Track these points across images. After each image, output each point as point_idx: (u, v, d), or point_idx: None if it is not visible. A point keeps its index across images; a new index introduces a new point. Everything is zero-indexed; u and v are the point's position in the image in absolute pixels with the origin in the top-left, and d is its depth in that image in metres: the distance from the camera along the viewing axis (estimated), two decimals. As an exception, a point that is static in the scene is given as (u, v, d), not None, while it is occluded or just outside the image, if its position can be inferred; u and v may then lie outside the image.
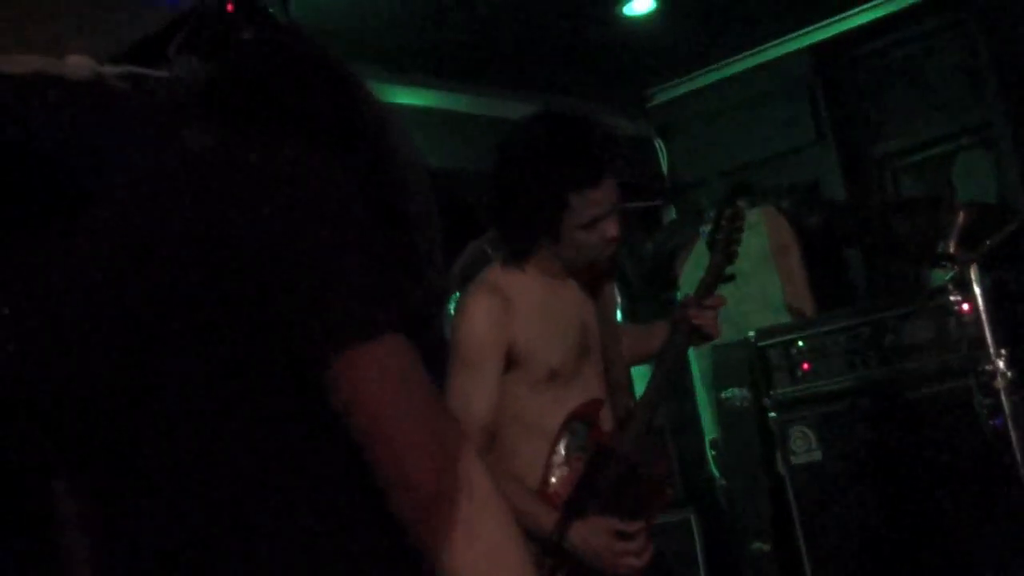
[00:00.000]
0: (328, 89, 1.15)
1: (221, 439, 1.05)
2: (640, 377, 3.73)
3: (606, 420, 2.56)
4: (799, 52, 5.25)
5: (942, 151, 4.94)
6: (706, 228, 4.89)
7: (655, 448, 2.63)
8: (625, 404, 2.61)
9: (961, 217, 2.91)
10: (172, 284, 1.02)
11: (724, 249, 2.71)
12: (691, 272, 5.00)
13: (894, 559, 3.73)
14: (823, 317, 4.27)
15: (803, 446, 3.98)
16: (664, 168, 5.81)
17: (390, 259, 1.09)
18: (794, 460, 3.99)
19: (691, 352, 4.37)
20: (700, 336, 2.69)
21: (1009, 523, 3.23)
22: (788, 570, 4.10)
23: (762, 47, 5.32)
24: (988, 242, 2.82)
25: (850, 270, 5.12)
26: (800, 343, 4.08)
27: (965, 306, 2.94)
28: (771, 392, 4.09)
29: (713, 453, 4.86)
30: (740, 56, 5.41)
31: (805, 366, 4.05)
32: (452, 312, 2.59)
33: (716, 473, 4.82)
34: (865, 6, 4.99)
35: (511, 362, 2.42)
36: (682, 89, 5.70)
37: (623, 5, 4.52)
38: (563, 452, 2.46)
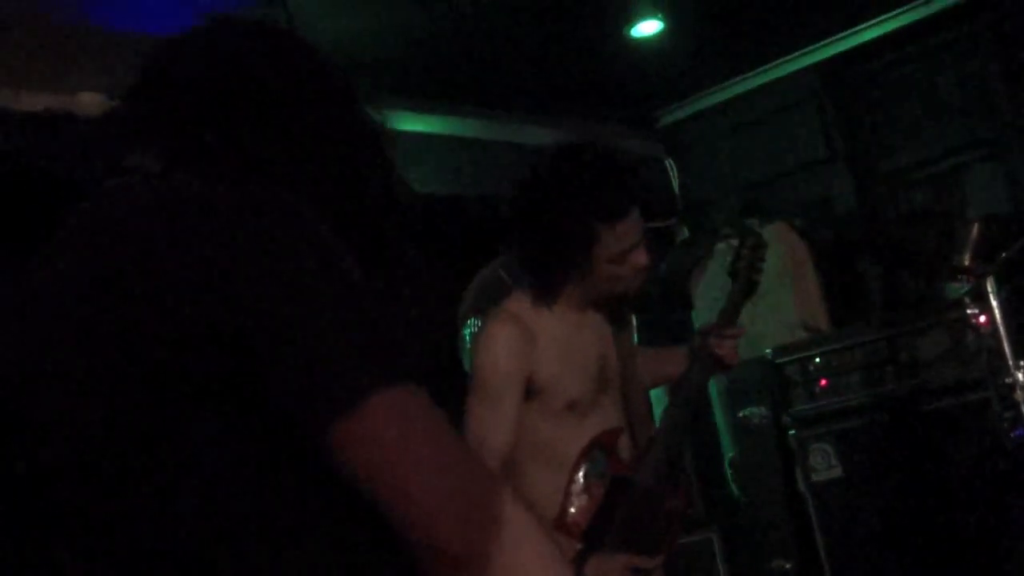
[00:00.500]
0: (317, 127, 1.11)
1: (216, 507, 0.98)
2: (657, 400, 3.73)
3: (625, 449, 2.55)
4: (808, 69, 5.25)
5: (954, 164, 4.92)
6: (721, 246, 4.90)
7: (675, 478, 2.61)
8: (644, 433, 2.59)
9: (975, 230, 2.90)
10: (146, 346, 0.95)
11: (746, 278, 2.70)
12: (705, 291, 5.00)
13: (917, 573, 3.70)
14: (839, 333, 4.25)
15: (823, 463, 3.96)
16: (675, 187, 5.81)
17: (377, 306, 1.01)
18: (814, 477, 3.97)
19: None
20: (720, 365, 2.68)
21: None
22: (811, 588, 4.08)
23: (770, 65, 5.33)
24: (1004, 254, 2.81)
25: (865, 285, 5.10)
26: (817, 359, 4.06)
27: (982, 318, 2.92)
28: (789, 409, 4.07)
29: (732, 472, 4.84)
30: (748, 74, 5.41)
31: (823, 382, 4.03)
32: (468, 338, 2.59)
33: (736, 492, 4.79)
34: (873, 21, 4.99)
35: (530, 392, 2.42)
36: (692, 108, 5.70)
37: (631, 27, 4.53)
38: (582, 481, 2.45)
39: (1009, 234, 3.01)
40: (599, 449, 2.47)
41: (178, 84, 1.12)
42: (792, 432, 4.04)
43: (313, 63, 1.18)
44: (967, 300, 2.96)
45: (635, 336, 2.93)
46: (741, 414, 4.59)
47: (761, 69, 5.36)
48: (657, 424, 2.64)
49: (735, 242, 2.86)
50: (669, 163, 5.81)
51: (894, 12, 4.92)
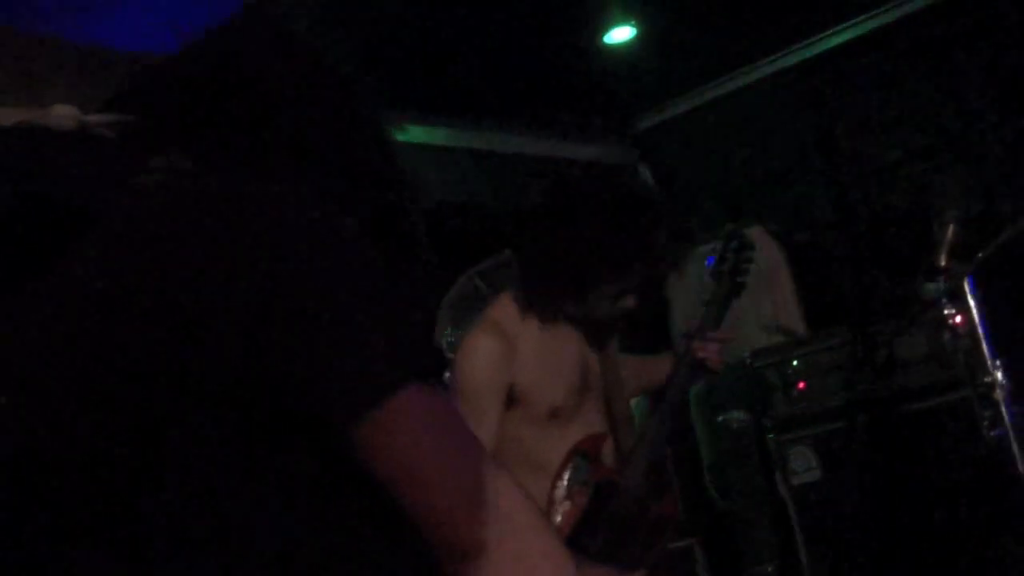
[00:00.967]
0: (332, 129, 1.13)
1: (235, 509, 1.01)
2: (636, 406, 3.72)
3: (609, 455, 2.54)
4: (781, 72, 5.27)
5: (929, 166, 4.95)
6: (700, 250, 4.90)
7: (659, 483, 2.61)
8: (628, 438, 2.59)
9: (951, 230, 2.91)
10: (167, 344, 0.97)
11: (731, 280, 2.70)
12: (683, 296, 5.00)
13: (900, 575, 3.72)
14: (817, 336, 4.26)
15: (803, 466, 3.97)
16: (656, 198, 5.81)
17: (403, 305, 1.04)
18: (794, 480, 3.97)
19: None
20: (705, 369, 2.68)
21: (1015, 535, 3.21)
22: (793, 591, 4.08)
23: (744, 69, 5.34)
24: (980, 254, 2.83)
25: (841, 288, 5.12)
26: (795, 362, 4.07)
27: (959, 318, 2.94)
28: (768, 413, 4.08)
29: (711, 477, 4.84)
30: (722, 79, 5.43)
31: (801, 385, 4.03)
32: (446, 348, 2.58)
33: (715, 497, 4.79)
34: (847, 24, 5.02)
35: (512, 400, 2.41)
36: (666, 114, 5.71)
37: (603, 34, 4.54)
38: (565, 487, 2.45)
39: (984, 234, 3.03)
40: (581, 456, 2.47)
41: (198, 88, 1.14)
42: (771, 435, 4.04)
43: (328, 70, 1.22)
44: (944, 301, 2.97)
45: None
46: (720, 418, 4.59)
47: (735, 73, 5.38)
48: (638, 429, 2.64)
49: (719, 244, 2.86)
50: (643, 169, 5.82)
51: (868, 15, 4.95)
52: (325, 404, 0.98)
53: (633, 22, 4.45)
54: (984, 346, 2.84)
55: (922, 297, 3.77)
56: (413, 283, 1.13)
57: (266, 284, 0.97)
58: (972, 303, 2.86)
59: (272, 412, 0.99)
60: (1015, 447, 2.80)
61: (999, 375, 2.82)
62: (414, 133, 4.79)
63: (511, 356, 2.40)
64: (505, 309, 2.49)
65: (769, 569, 4.36)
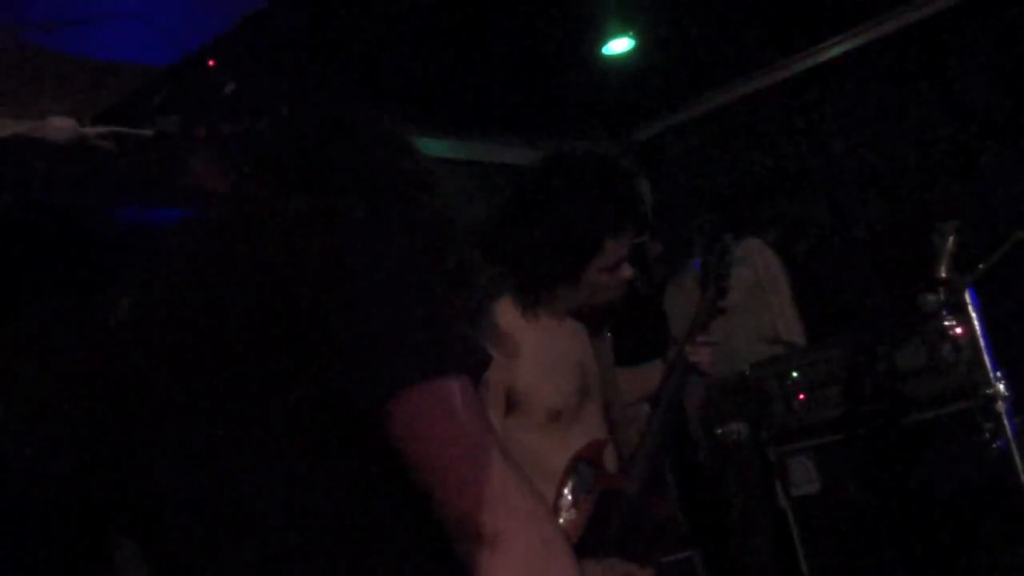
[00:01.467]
0: (379, 149, 1.23)
1: (282, 486, 1.09)
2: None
3: (610, 461, 2.54)
4: (778, 83, 5.27)
5: (926, 177, 4.95)
6: (698, 261, 4.90)
7: (659, 489, 2.61)
8: (627, 443, 2.59)
9: (951, 241, 2.91)
10: (234, 334, 1.07)
11: (715, 284, 2.72)
12: (681, 306, 4.99)
13: (901, 588, 3.70)
14: (816, 347, 4.25)
15: (803, 477, 3.96)
16: (648, 204, 5.81)
17: (451, 301, 1.14)
18: (795, 492, 3.96)
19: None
20: (696, 371, 2.69)
21: (1018, 546, 3.20)
22: (794, 603, 4.06)
23: (741, 79, 5.35)
24: (982, 265, 2.82)
25: (840, 299, 5.11)
26: (795, 374, 4.06)
27: (959, 329, 2.93)
28: (768, 424, 4.07)
29: (710, 489, 4.83)
30: (719, 90, 5.43)
31: (801, 397, 4.02)
32: None
33: (715, 509, 4.78)
34: (842, 36, 5.03)
35: (511, 404, 2.41)
36: (664, 124, 5.72)
37: (602, 45, 4.54)
38: (569, 496, 2.44)
39: (983, 245, 3.03)
40: (584, 462, 2.47)
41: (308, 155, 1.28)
42: (771, 447, 4.03)
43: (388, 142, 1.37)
44: (944, 312, 2.96)
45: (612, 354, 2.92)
46: (719, 430, 4.58)
47: (733, 84, 5.39)
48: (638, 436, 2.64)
49: (702, 251, 2.88)
50: (642, 180, 5.82)
51: (864, 26, 4.96)
52: (364, 384, 1.07)
53: (631, 33, 4.45)
54: (985, 357, 2.83)
55: (921, 308, 3.77)
56: (458, 287, 1.24)
57: (326, 278, 1.07)
58: (973, 314, 2.85)
59: (320, 401, 1.08)
60: (1017, 458, 2.80)
61: (1001, 386, 2.81)
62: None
63: (509, 358, 2.40)
64: (504, 312, 2.49)
65: (769, 581, 4.35)
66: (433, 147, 4.86)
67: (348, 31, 3.83)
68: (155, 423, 1.10)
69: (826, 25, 4.95)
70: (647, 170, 5.83)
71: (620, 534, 2.44)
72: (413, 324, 1.09)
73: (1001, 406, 2.79)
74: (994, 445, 2.80)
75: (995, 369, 2.83)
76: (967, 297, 2.84)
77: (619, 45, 4.58)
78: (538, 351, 2.45)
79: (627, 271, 2.49)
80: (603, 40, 4.51)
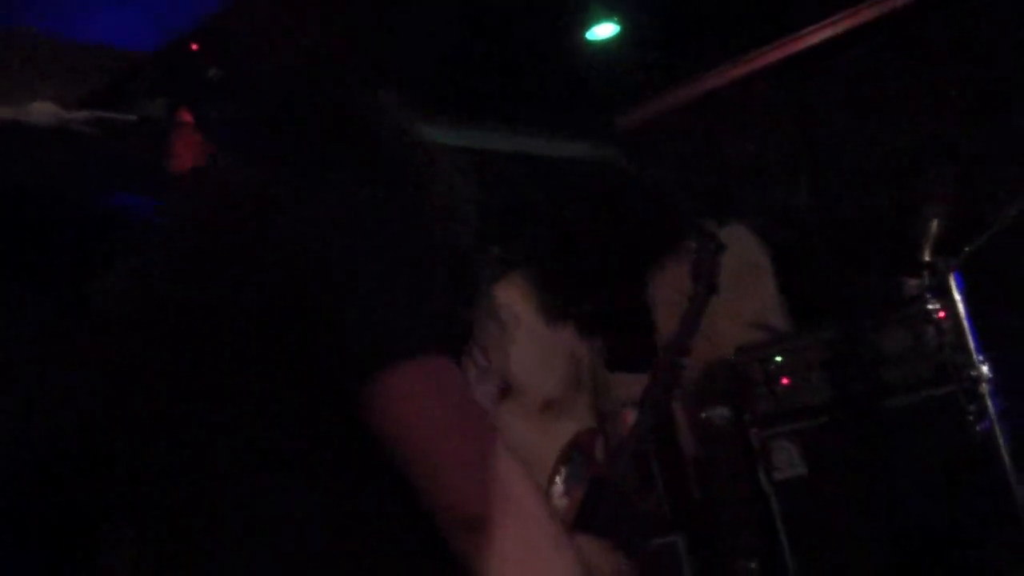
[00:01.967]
0: (367, 127, 1.21)
1: (267, 478, 1.06)
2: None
3: (600, 451, 2.55)
4: (764, 69, 5.27)
5: (909, 162, 4.96)
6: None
7: (644, 478, 2.64)
8: (616, 434, 2.61)
9: (935, 225, 2.92)
10: (216, 319, 1.05)
11: (706, 281, 2.73)
12: (666, 296, 4.99)
13: (884, 572, 3.72)
14: (800, 331, 4.27)
15: (786, 461, 3.97)
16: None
17: (436, 282, 1.12)
18: (778, 476, 3.97)
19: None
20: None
21: (1000, 528, 3.22)
22: (777, 587, 4.08)
23: (727, 67, 5.35)
24: (967, 249, 2.84)
25: (824, 285, 5.12)
26: (778, 358, 4.07)
27: (943, 313, 2.94)
28: (751, 409, 4.08)
29: (694, 473, 4.84)
30: (705, 76, 5.43)
31: (784, 381, 4.04)
32: None
33: (698, 493, 4.80)
34: (826, 23, 5.03)
35: (504, 391, 2.41)
36: (649, 111, 5.71)
37: (586, 31, 4.53)
38: (562, 484, 2.45)
39: (966, 229, 3.04)
40: (577, 451, 2.48)
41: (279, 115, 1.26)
42: (755, 431, 4.05)
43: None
44: (928, 296, 2.98)
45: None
46: (703, 415, 4.59)
47: (718, 71, 5.38)
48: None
49: (694, 245, 2.87)
50: (627, 167, 5.80)
51: (849, 12, 4.96)
52: (346, 361, 1.04)
53: (616, 19, 4.45)
54: (970, 340, 2.85)
55: (905, 292, 3.79)
56: (447, 266, 1.20)
57: (307, 258, 1.05)
58: (958, 297, 2.86)
59: (302, 381, 1.06)
60: (1001, 441, 2.81)
61: (985, 369, 2.83)
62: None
63: (504, 343, 2.41)
64: (505, 294, 2.49)
65: (753, 565, 4.36)
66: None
67: (330, 20, 3.81)
68: (143, 411, 1.08)
69: (810, 12, 4.96)
70: (631, 158, 5.82)
71: (607, 523, 2.45)
72: (394, 303, 1.06)
73: (985, 388, 2.80)
74: (978, 428, 2.81)
75: (979, 352, 2.84)
76: (952, 281, 2.85)
77: (604, 31, 4.58)
78: (535, 338, 2.46)
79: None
80: (587, 26, 4.50)
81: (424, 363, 1.05)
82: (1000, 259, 3.35)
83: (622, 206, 2.47)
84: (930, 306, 2.96)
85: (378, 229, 1.10)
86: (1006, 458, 2.82)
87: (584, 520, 2.43)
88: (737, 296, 4.75)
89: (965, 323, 2.85)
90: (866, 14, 4.94)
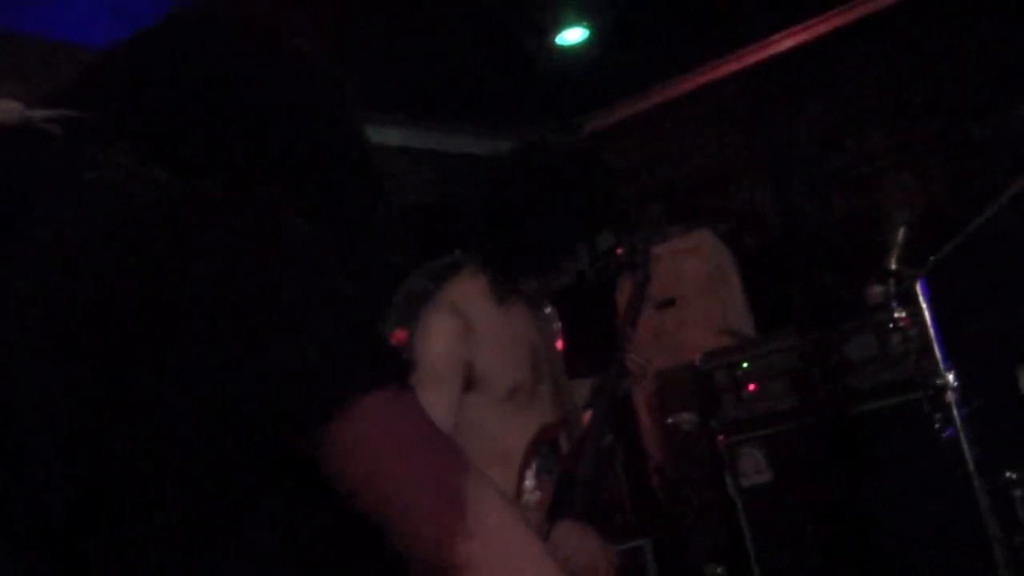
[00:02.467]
0: (295, 129, 1.09)
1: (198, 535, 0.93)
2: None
3: (564, 443, 2.58)
4: (730, 77, 5.29)
5: (875, 169, 5.00)
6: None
7: (608, 472, 2.67)
8: (577, 426, 2.63)
9: (901, 233, 2.94)
10: (115, 352, 0.91)
11: (641, 268, 2.78)
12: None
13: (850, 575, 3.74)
14: (766, 338, 4.28)
15: (752, 467, 3.98)
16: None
17: (361, 308, 0.97)
18: (744, 482, 3.99)
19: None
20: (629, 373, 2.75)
21: (965, 534, 3.24)
22: (743, 592, 4.09)
23: (693, 73, 5.36)
24: (932, 257, 2.85)
25: (790, 291, 5.15)
26: (745, 364, 4.08)
27: (908, 320, 2.96)
28: (718, 415, 4.09)
29: (660, 478, 4.85)
30: (672, 82, 5.44)
31: (751, 387, 4.05)
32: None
33: (663, 498, 4.80)
34: (793, 29, 5.05)
35: (470, 383, 2.43)
36: (616, 116, 5.72)
37: (556, 34, 4.53)
38: (533, 478, 2.48)
39: (932, 237, 3.06)
40: (546, 444, 2.50)
41: (155, 82, 1.09)
42: (721, 437, 4.05)
43: (297, 65, 1.16)
44: (894, 303, 2.99)
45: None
46: (670, 420, 4.59)
47: (685, 77, 5.40)
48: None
49: (627, 251, 2.91)
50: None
51: (815, 19, 4.99)
52: (285, 414, 0.91)
53: (585, 23, 4.45)
54: (936, 348, 2.86)
55: (869, 300, 3.81)
56: (376, 289, 1.08)
57: (216, 290, 0.91)
58: (924, 305, 2.88)
59: (235, 438, 0.93)
60: (966, 447, 2.83)
61: (950, 377, 2.85)
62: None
63: (469, 335, 2.42)
64: (463, 289, 2.51)
65: (719, 570, 4.37)
66: (385, 135, 4.83)
67: (292, 22, 3.78)
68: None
69: (778, 18, 4.98)
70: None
71: (580, 516, 2.47)
72: (340, 334, 0.93)
73: (950, 396, 2.82)
74: (943, 434, 2.83)
75: (944, 360, 2.86)
76: (918, 288, 2.87)
77: (573, 35, 4.58)
78: (496, 328, 2.48)
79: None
80: (557, 30, 4.50)
81: (376, 399, 0.93)
82: (967, 267, 3.37)
83: (555, 178, 2.50)
84: (896, 314, 2.98)
85: (311, 252, 0.96)
86: (971, 464, 2.83)
87: (552, 514, 2.46)
88: (704, 302, 4.77)
89: (931, 331, 2.86)
90: (832, 22, 4.97)
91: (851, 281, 4.66)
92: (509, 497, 1.01)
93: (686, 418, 4.49)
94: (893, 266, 2.92)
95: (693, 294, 4.73)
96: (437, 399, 2.36)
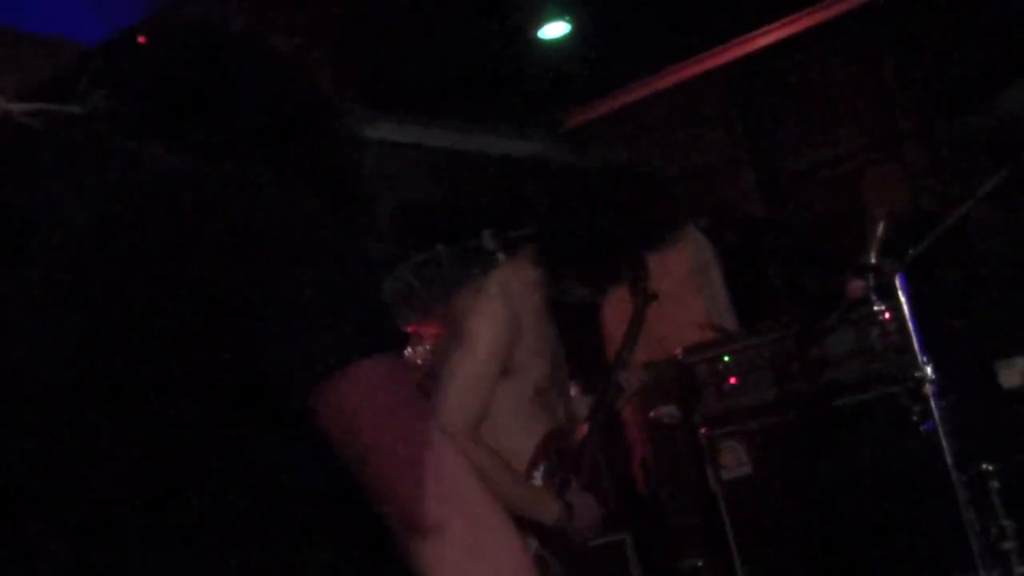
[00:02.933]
0: (287, 110, 1.15)
1: (201, 476, 1.02)
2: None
3: (567, 450, 2.61)
4: (713, 72, 5.31)
5: (856, 165, 5.02)
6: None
7: (601, 478, 2.74)
8: (573, 437, 2.67)
9: (881, 227, 2.95)
10: (135, 316, 0.99)
11: (643, 293, 2.80)
12: (613, 301, 5.01)
13: (830, 570, 3.75)
14: (747, 332, 4.29)
15: (733, 461, 3.99)
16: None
17: (364, 278, 1.06)
18: (725, 475, 4.00)
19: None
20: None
21: (943, 527, 3.26)
22: (723, 585, 4.11)
23: (676, 67, 5.38)
24: (911, 251, 2.86)
25: (771, 285, 5.17)
26: (726, 358, 4.09)
27: (887, 315, 2.97)
28: (699, 408, 4.10)
29: (643, 472, 4.86)
30: (654, 77, 5.45)
31: (732, 380, 4.06)
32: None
33: (647, 492, 4.82)
34: (775, 25, 5.07)
35: (505, 372, 2.45)
36: (598, 111, 5.72)
37: (538, 30, 4.53)
38: (541, 478, 2.51)
39: (911, 231, 3.08)
40: (553, 448, 2.53)
41: (174, 79, 1.18)
42: (702, 431, 4.07)
43: (282, 72, 1.27)
44: (873, 297, 3.00)
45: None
46: (651, 414, 4.61)
47: (667, 72, 5.41)
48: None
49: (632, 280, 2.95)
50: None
51: (796, 16, 5.01)
52: (286, 370, 0.99)
53: (568, 18, 4.45)
54: (914, 342, 2.88)
55: (849, 294, 3.82)
56: (371, 265, 1.15)
57: (235, 259, 0.99)
58: (904, 299, 2.89)
59: (241, 389, 1.01)
60: (944, 441, 2.85)
61: (928, 370, 2.86)
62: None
63: (516, 324, 2.46)
64: (516, 278, 2.53)
65: (699, 563, 4.39)
66: (369, 131, 4.82)
67: (279, 17, 3.78)
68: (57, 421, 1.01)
69: (761, 13, 4.99)
70: (579, 157, 5.83)
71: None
72: (340, 301, 1.02)
73: (929, 389, 2.83)
74: (921, 428, 2.84)
75: (923, 354, 2.87)
76: (897, 283, 2.88)
77: (555, 30, 4.58)
78: (535, 325, 2.51)
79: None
80: (539, 24, 4.50)
81: (372, 364, 1.01)
82: (945, 261, 3.39)
83: (614, 194, 2.53)
84: (876, 307, 2.99)
85: (320, 226, 1.06)
86: (949, 458, 2.85)
87: None
88: (686, 296, 4.78)
89: (910, 325, 2.88)
90: (814, 17, 4.99)
91: (832, 275, 4.69)
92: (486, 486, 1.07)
93: (667, 412, 4.50)
94: (872, 260, 2.93)
95: (676, 288, 4.74)
96: (482, 381, 2.40)
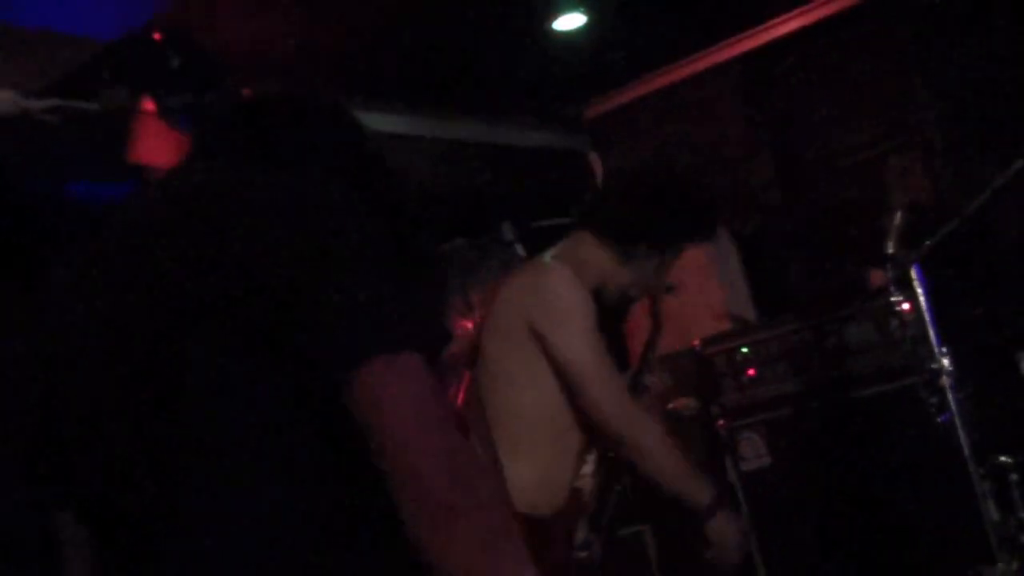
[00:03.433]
0: (330, 124, 1.25)
1: (242, 465, 1.09)
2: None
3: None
4: (731, 61, 5.29)
5: (875, 154, 5.00)
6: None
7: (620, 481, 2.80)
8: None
9: (898, 218, 2.93)
10: (191, 305, 1.07)
11: (656, 320, 2.84)
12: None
13: (848, 561, 3.75)
14: (766, 322, 4.29)
15: (752, 452, 3.99)
16: (600, 182, 5.82)
17: (413, 284, 1.16)
18: (744, 467, 4.00)
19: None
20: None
21: (961, 519, 3.26)
22: (742, 576, 4.10)
23: (693, 57, 5.36)
24: (928, 242, 2.85)
25: (789, 275, 5.15)
26: (744, 349, 4.09)
27: (906, 306, 2.96)
28: (718, 399, 4.10)
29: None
30: (672, 67, 5.44)
31: (750, 372, 4.06)
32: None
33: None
34: (793, 13, 5.05)
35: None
36: (615, 102, 5.71)
37: (553, 21, 4.53)
38: (592, 464, 2.59)
39: (931, 222, 3.06)
40: (599, 439, 2.57)
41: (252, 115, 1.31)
42: (721, 422, 4.07)
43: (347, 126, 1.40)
44: (892, 288, 2.99)
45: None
46: (670, 406, 4.61)
47: (684, 61, 5.39)
48: None
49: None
50: (594, 157, 5.82)
51: (815, 3, 4.98)
52: (326, 356, 1.08)
53: (583, 9, 4.45)
54: (931, 333, 2.87)
55: (867, 285, 3.81)
56: (424, 266, 1.28)
57: (298, 250, 1.09)
58: (919, 290, 2.88)
59: (281, 369, 1.10)
60: (961, 432, 2.84)
61: (945, 362, 2.85)
62: (367, 121, 4.74)
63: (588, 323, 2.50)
64: (579, 258, 2.57)
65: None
66: (383, 123, 4.83)
67: (291, 10, 3.79)
68: (100, 407, 1.09)
69: (777, 2, 4.97)
70: (598, 148, 5.83)
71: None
72: (375, 299, 1.10)
73: (945, 381, 2.82)
74: (938, 419, 2.83)
75: (940, 345, 2.86)
76: (913, 273, 2.87)
77: (571, 21, 4.57)
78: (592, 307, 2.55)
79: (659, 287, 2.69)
80: (555, 16, 4.50)
81: (405, 358, 1.09)
82: (963, 252, 3.38)
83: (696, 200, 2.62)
84: (894, 298, 2.98)
85: (358, 224, 1.14)
86: (966, 449, 2.84)
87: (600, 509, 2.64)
88: (704, 287, 4.78)
89: (926, 315, 2.87)
90: (833, 5, 4.96)
91: (852, 265, 4.68)
92: (499, 477, 1.13)
93: (686, 403, 4.50)
94: (891, 250, 2.92)
95: (693, 279, 4.73)
96: (586, 339, 2.43)
